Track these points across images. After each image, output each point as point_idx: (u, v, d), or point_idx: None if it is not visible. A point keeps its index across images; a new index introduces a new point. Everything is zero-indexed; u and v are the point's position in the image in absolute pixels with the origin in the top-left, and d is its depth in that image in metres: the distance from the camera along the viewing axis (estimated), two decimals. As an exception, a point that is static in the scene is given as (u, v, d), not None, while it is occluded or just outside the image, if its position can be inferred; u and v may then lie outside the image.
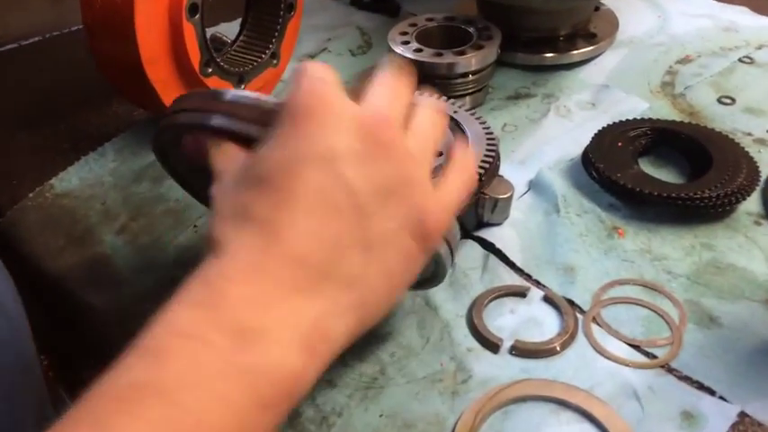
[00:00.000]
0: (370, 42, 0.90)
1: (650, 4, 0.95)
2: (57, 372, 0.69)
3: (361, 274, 0.35)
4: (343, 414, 0.46)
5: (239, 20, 0.77)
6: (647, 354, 0.50)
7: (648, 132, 0.66)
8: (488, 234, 0.59)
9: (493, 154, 0.59)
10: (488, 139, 0.60)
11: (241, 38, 0.75)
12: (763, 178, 0.62)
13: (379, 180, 0.36)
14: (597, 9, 0.88)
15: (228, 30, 0.87)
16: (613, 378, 0.48)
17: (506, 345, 0.50)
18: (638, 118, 0.69)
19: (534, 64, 0.82)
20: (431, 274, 0.48)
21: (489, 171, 0.58)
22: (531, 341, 0.50)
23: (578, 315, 0.52)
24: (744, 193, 0.59)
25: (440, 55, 0.72)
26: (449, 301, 0.54)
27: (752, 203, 0.61)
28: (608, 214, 0.61)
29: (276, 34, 0.74)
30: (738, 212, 0.60)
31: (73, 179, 0.66)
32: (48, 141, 0.73)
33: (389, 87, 0.40)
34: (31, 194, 0.65)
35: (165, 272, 0.57)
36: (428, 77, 0.73)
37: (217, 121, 0.41)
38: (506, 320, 0.52)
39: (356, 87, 0.39)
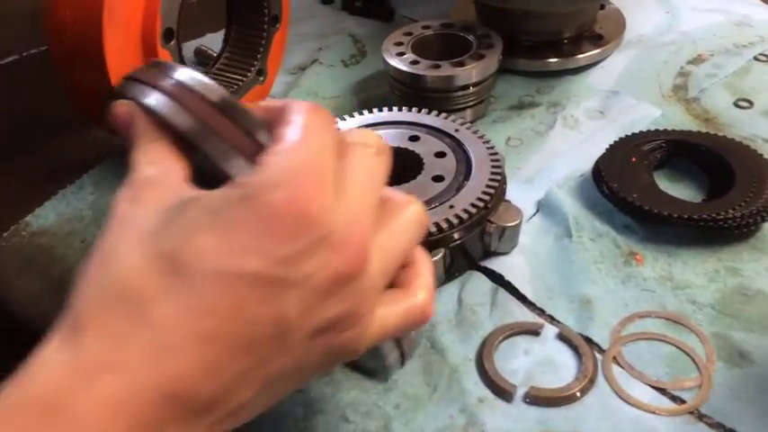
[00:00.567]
0: (363, 51, 0.86)
1: (659, 1, 0.91)
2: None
3: (249, 404, 0.30)
4: (344, 478, 0.43)
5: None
6: (673, 398, 0.46)
7: (663, 145, 0.62)
8: (496, 264, 0.55)
9: (498, 178, 0.55)
10: (493, 160, 0.56)
11: (224, 55, 0.71)
12: (789, 192, 0.58)
13: (322, 320, 0.30)
14: (602, 8, 0.83)
15: (214, 41, 0.83)
16: (639, 428, 0.44)
17: (520, 392, 0.46)
18: (651, 129, 0.64)
19: (538, 70, 0.78)
20: (373, 369, 0.43)
21: (495, 197, 0.54)
22: (548, 387, 0.46)
23: (597, 355, 0.48)
24: (770, 211, 0.55)
25: (438, 67, 0.68)
26: (456, 343, 0.50)
27: (779, 221, 0.57)
28: (624, 237, 0.57)
29: (261, 49, 0.70)
30: (764, 232, 0.56)
31: (50, 215, 0.62)
32: (22, 172, 0.69)
33: (370, 178, 0.32)
34: (5, 234, 0.61)
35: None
36: (426, 91, 0.68)
37: (152, 100, 0.33)
38: (520, 363, 0.48)
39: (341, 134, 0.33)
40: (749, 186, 0.56)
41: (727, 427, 0.44)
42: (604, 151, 0.62)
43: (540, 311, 0.52)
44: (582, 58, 0.77)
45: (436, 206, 0.53)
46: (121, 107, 0.35)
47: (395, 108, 0.63)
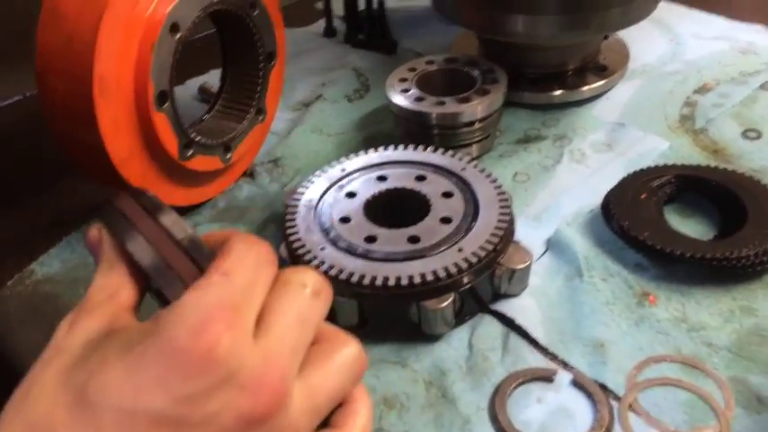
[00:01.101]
0: (367, 84, 0.85)
1: (662, 28, 0.90)
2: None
3: None
4: None
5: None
6: (693, 447, 0.45)
7: (673, 180, 0.61)
8: (506, 307, 0.54)
9: (507, 218, 0.54)
10: (501, 200, 0.56)
11: (222, 96, 0.70)
12: (802, 228, 0.57)
13: None
14: (606, 38, 0.83)
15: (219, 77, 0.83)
16: (658, 480, 0.43)
17: (535, 443, 0.45)
18: (660, 165, 0.64)
19: (543, 103, 0.77)
20: None
21: (504, 238, 0.53)
22: (563, 438, 0.45)
23: (612, 402, 0.47)
24: (784, 248, 0.54)
25: (442, 104, 0.67)
26: (468, 392, 0.49)
27: (793, 257, 0.56)
28: (636, 277, 0.56)
29: (258, 88, 0.69)
30: (779, 269, 0.55)
31: (54, 262, 0.62)
32: (27, 215, 0.68)
33: (299, 318, 0.32)
34: (9, 282, 0.60)
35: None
36: (431, 128, 0.68)
37: (121, 230, 0.35)
38: (533, 412, 0.47)
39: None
40: (762, 223, 0.55)
41: (748, 479, 0.42)
42: (613, 187, 0.61)
43: (553, 356, 0.51)
44: (586, 90, 0.77)
45: (445, 249, 0.52)
46: (93, 231, 0.37)
47: (400, 146, 0.63)
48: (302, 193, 0.58)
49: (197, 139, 0.62)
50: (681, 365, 0.49)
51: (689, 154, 0.68)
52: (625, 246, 0.58)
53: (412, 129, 0.69)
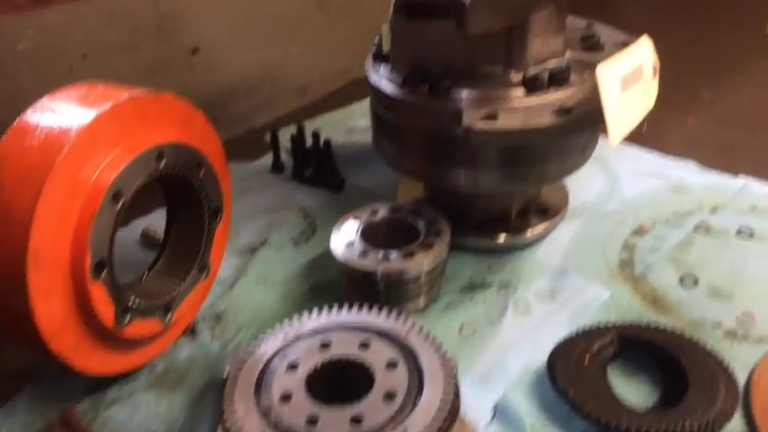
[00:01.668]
0: (314, 226, 0.85)
1: (598, 164, 0.94)
2: None
3: None
4: None
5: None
6: None
7: (614, 340, 0.62)
8: (454, 487, 0.53)
9: (452, 392, 0.53)
10: (446, 371, 0.55)
11: (164, 253, 0.69)
12: (740, 390, 0.58)
13: None
14: (546, 179, 0.86)
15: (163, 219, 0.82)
16: None
17: None
18: (602, 323, 0.64)
19: (488, 247, 0.78)
20: None
21: (450, 415, 0.52)
22: None
23: None
24: (724, 417, 0.54)
25: (387, 260, 0.67)
26: None
27: (735, 423, 0.56)
28: (583, 447, 0.55)
29: (203, 245, 0.68)
30: (722, 436, 0.55)
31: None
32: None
33: None
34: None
35: None
36: (377, 284, 0.68)
37: None
38: None
39: None
40: (703, 393, 0.55)
41: None
42: (558, 346, 0.62)
43: None
44: (530, 234, 0.79)
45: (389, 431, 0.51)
46: None
47: (344, 308, 0.62)
48: (243, 363, 0.57)
49: (135, 304, 0.60)
50: None
51: (629, 303, 0.70)
52: (571, 410, 0.57)
53: (357, 281, 0.69)
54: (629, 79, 0.63)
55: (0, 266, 0.53)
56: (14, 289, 0.52)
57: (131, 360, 0.64)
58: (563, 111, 0.65)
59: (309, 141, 0.97)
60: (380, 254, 0.68)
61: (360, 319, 0.61)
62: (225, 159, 0.70)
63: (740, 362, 0.61)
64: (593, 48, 0.73)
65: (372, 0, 0.91)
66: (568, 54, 0.72)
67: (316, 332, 0.60)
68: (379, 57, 0.75)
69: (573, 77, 0.68)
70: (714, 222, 0.81)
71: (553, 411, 0.58)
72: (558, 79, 0.67)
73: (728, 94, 1.11)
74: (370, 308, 0.62)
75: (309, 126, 1.05)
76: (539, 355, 0.63)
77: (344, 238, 0.71)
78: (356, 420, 0.52)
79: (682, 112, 1.04)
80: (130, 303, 0.59)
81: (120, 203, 0.57)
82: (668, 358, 0.60)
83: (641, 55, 0.65)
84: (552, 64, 0.70)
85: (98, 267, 0.55)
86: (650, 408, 0.57)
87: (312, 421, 0.52)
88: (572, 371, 0.58)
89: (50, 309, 0.54)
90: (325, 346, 0.59)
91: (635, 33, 0.80)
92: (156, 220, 0.84)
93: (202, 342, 0.68)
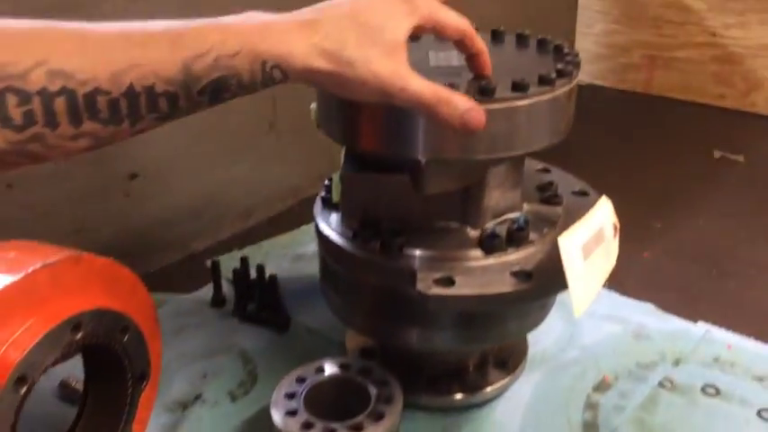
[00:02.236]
0: (254, 375, 0.78)
1: (556, 304, 0.90)
2: None
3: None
4: None
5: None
6: None
7: None
8: None
9: None
10: None
11: (79, 425, 0.61)
12: None
13: None
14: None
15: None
16: None
17: None
18: None
19: (443, 406, 0.72)
20: None
21: None
22: None
23: None
24: None
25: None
26: None
27: None
28: None
29: (126, 415, 0.61)
30: None
31: None
32: None
33: None
34: None
35: None
36: (321, 463, 0.61)
37: None
38: None
39: None
40: None
41: None
42: None
43: None
44: (489, 391, 0.73)
45: None
46: None
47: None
48: None
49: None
50: None
51: (596, 479, 0.64)
52: None
53: (300, 455, 0.62)
54: (590, 245, 0.60)
55: None
56: None
57: None
58: (523, 274, 0.61)
59: (254, 273, 0.91)
60: (325, 427, 0.62)
61: None
62: (155, 316, 0.64)
63: None
64: (551, 200, 0.70)
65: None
66: (526, 207, 0.70)
67: None
68: (329, 202, 0.71)
69: (532, 235, 0.65)
70: (678, 377, 0.77)
71: None
72: (516, 238, 0.64)
73: (681, 224, 1.11)
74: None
75: (253, 252, 1.00)
76: None
77: (286, 404, 0.64)
78: None
79: (637, 245, 1.03)
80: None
81: (24, 389, 0.50)
82: None
83: (601, 217, 0.62)
84: (510, 217, 0.67)
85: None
86: None
87: None
88: None
89: None
90: None
91: (586, 169, 0.79)
92: (77, 367, 0.76)
93: None
